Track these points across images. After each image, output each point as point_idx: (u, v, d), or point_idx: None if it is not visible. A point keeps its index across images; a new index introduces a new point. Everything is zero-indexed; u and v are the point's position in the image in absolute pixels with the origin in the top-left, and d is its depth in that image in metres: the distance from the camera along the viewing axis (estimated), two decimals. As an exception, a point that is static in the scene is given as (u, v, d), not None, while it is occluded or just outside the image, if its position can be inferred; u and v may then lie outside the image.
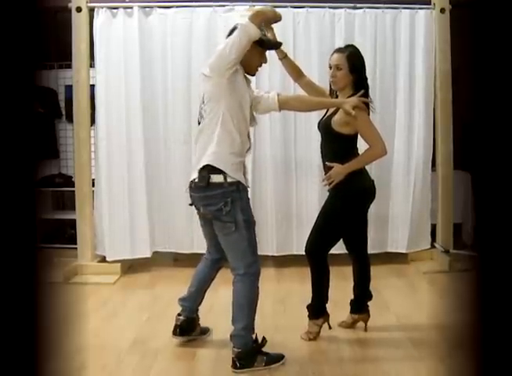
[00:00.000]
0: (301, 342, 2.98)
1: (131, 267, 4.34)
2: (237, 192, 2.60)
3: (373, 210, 4.36)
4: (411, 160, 4.38)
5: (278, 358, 2.74)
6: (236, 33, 2.44)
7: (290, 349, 2.89)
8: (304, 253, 3.03)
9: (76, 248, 4.30)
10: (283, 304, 3.59)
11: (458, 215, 4.60)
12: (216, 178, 2.56)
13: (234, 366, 2.67)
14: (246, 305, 2.68)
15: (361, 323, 3.14)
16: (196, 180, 2.61)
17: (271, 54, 2.93)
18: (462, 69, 4.12)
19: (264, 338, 2.75)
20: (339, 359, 2.80)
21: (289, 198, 4.34)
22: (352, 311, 3.15)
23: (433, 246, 4.47)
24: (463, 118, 4.29)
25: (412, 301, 3.66)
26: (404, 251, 4.43)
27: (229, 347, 2.87)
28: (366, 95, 2.88)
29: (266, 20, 2.55)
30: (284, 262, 4.34)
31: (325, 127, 2.93)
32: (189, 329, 2.99)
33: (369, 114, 2.90)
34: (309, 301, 3.06)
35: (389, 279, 4.09)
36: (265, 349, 2.74)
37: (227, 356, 2.82)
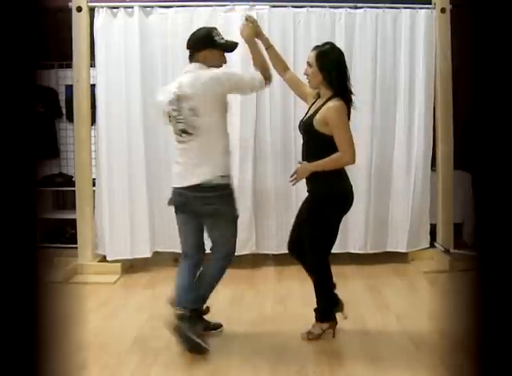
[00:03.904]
0: (301, 342, 2.98)
1: (131, 267, 4.34)
2: None
3: (373, 209, 4.40)
4: (411, 159, 4.38)
5: (202, 342, 2.86)
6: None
7: (291, 349, 2.89)
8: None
9: (76, 248, 4.30)
10: (283, 303, 3.59)
11: (458, 215, 4.59)
12: None
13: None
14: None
15: (360, 323, 3.14)
16: None
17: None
18: (462, 69, 4.11)
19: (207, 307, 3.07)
20: (339, 358, 2.80)
21: (289, 195, 4.33)
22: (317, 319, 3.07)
23: (433, 246, 4.47)
24: (462, 118, 4.29)
25: (413, 301, 3.66)
26: (404, 251, 4.43)
27: (228, 346, 2.88)
28: (345, 94, 2.83)
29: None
30: (284, 260, 4.34)
31: (306, 126, 2.90)
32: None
33: (349, 113, 2.86)
34: (310, 300, 3.05)
35: (389, 278, 4.09)
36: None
37: (227, 354, 2.83)
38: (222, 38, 2.94)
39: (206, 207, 2.84)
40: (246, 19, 3.08)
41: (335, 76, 2.83)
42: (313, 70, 2.87)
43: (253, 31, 3.05)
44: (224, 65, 2.97)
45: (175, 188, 2.95)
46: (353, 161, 2.83)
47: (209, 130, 2.83)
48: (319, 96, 2.98)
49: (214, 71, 2.85)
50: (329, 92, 2.86)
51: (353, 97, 2.89)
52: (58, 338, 2.81)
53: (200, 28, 3.03)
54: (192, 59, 2.92)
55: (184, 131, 2.86)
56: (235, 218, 2.95)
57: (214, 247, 2.97)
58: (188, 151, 2.88)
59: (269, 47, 3.13)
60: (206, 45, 2.89)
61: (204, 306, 3.05)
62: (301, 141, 3.02)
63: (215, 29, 2.98)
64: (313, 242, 2.92)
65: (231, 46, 2.98)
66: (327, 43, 2.94)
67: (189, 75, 2.85)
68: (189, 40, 2.94)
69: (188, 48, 2.93)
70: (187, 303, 2.88)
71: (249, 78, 2.91)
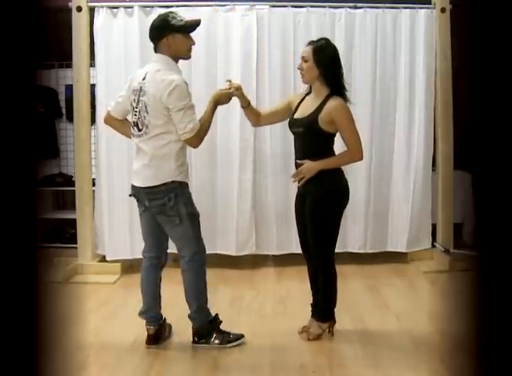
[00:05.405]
0: (301, 342, 2.98)
1: (131, 267, 4.33)
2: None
3: (373, 209, 4.40)
4: (411, 159, 4.38)
5: (235, 338, 2.94)
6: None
7: (291, 349, 2.89)
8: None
9: (76, 248, 4.30)
10: (283, 303, 3.59)
11: (458, 215, 4.60)
12: None
13: (193, 340, 2.94)
14: (197, 289, 2.93)
15: (360, 323, 3.14)
16: None
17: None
18: (462, 69, 4.11)
19: (218, 318, 2.96)
20: (339, 358, 2.80)
21: (289, 196, 4.32)
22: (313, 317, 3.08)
23: (433, 245, 4.47)
24: (462, 118, 4.29)
25: (413, 301, 3.66)
26: (404, 251, 4.43)
27: (229, 347, 2.89)
28: (340, 91, 2.83)
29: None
30: (284, 260, 4.34)
31: (308, 124, 2.86)
32: (161, 334, 2.99)
33: None
34: (310, 300, 3.06)
35: (389, 278, 4.08)
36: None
37: (227, 355, 2.83)
38: (181, 20, 2.75)
39: (153, 202, 2.82)
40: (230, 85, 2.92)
41: (331, 71, 2.83)
42: (309, 65, 2.85)
43: (229, 98, 2.94)
44: (192, 47, 2.80)
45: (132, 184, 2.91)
46: (362, 158, 2.90)
47: (157, 132, 2.71)
48: (309, 92, 2.96)
49: (175, 78, 2.67)
50: (325, 87, 2.85)
51: (350, 95, 2.90)
52: (58, 337, 2.82)
53: (157, 16, 2.83)
54: (156, 51, 2.77)
55: (136, 125, 2.77)
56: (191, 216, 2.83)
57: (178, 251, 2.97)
58: (141, 149, 2.79)
59: (248, 105, 3.05)
60: (164, 32, 2.72)
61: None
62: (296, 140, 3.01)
63: (171, 12, 2.83)
64: (319, 241, 2.91)
65: (192, 25, 2.78)
66: (322, 39, 2.92)
67: (153, 67, 2.74)
68: (149, 31, 2.79)
69: (150, 40, 2.79)
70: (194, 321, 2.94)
71: (189, 120, 2.67)
